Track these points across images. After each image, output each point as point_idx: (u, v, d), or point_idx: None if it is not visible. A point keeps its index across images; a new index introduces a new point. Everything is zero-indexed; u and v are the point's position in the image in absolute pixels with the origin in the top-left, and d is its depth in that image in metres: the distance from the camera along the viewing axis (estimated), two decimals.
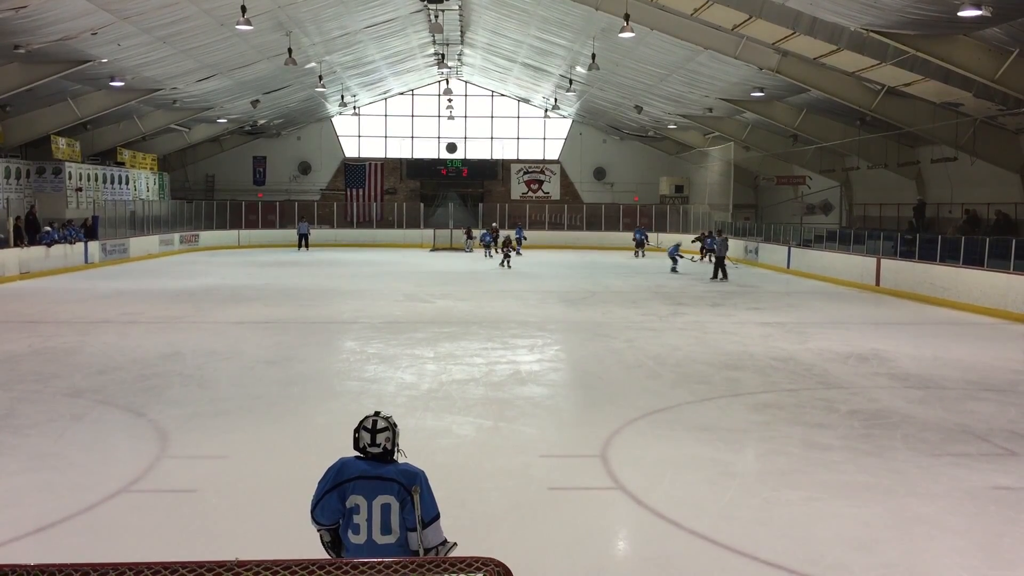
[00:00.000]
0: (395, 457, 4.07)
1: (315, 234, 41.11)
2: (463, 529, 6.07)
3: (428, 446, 8.19)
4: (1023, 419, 9.63)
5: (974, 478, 7.47)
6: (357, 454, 4.05)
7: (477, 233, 39.62)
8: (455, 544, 3.94)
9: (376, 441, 4.02)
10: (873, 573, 5.52)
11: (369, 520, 3.90)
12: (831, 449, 8.34)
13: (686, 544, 6.05)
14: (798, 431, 8.98)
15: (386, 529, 3.88)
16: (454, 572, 3.06)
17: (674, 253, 29.78)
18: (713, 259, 27.88)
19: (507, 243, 31.84)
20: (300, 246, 39.41)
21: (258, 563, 2.73)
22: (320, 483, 4.03)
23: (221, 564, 2.72)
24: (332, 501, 3.96)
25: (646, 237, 37.08)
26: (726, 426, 9.28)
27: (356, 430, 4.07)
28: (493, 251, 35.65)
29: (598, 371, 12.35)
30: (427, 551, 3.84)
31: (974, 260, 20.00)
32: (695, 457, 8.10)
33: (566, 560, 5.75)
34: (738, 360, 13.02)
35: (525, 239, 38.78)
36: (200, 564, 2.72)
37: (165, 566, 2.70)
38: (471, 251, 38.78)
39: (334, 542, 4.05)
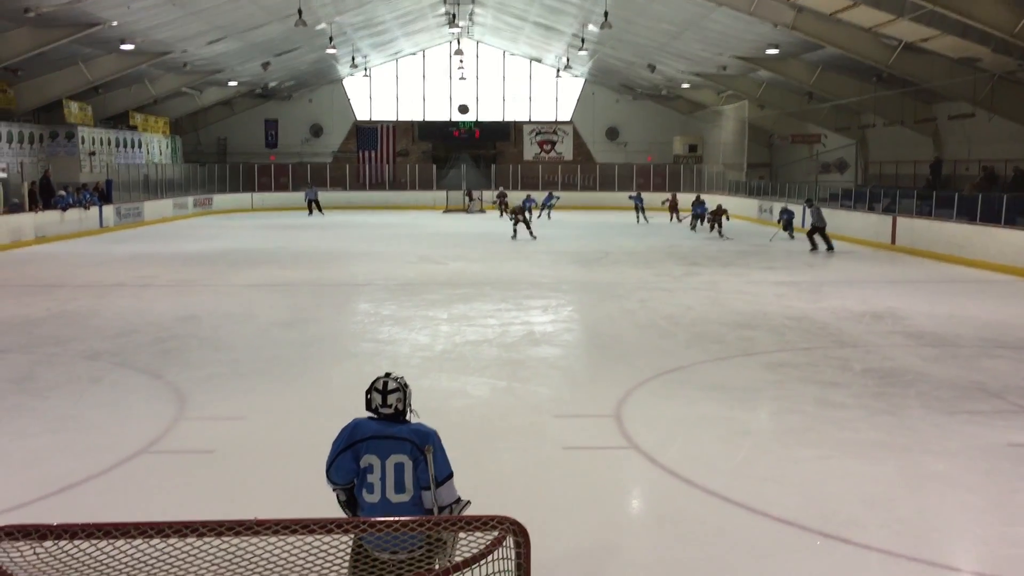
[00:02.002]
0: (408, 417, 4.09)
1: (327, 197, 41.03)
2: (477, 488, 6.12)
3: (443, 407, 8.24)
4: None
5: (988, 435, 7.47)
6: (370, 415, 4.08)
7: (489, 195, 39.46)
8: (468, 502, 3.97)
9: (388, 402, 4.04)
10: (886, 530, 5.55)
11: (383, 479, 3.93)
12: (845, 407, 8.35)
13: (700, 502, 6.09)
14: (812, 390, 8.99)
15: (400, 488, 3.91)
16: (469, 530, 3.10)
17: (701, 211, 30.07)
18: (807, 229, 24.37)
19: (517, 211, 26.84)
20: (311, 211, 38.08)
21: (276, 522, 2.77)
22: (334, 443, 4.06)
23: (240, 523, 2.76)
24: (346, 461, 3.99)
25: (642, 200, 34.37)
26: (740, 385, 9.29)
27: (368, 391, 4.09)
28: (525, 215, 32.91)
29: (611, 331, 12.37)
30: (441, 509, 3.87)
31: (991, 218, 19.83)
32: (708, 416, 8.13)
33: (580, 518, 5.80)
34: (752, 319, 13.00)
35: (556, 200, 35.80)
36: (220, 523, 2.76)
37: (186, 525, 2.74)
38: (473, 212, 38.55)
39: (349, 501, 4.09)
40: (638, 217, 33.45)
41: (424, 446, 3.91)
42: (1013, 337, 11.88)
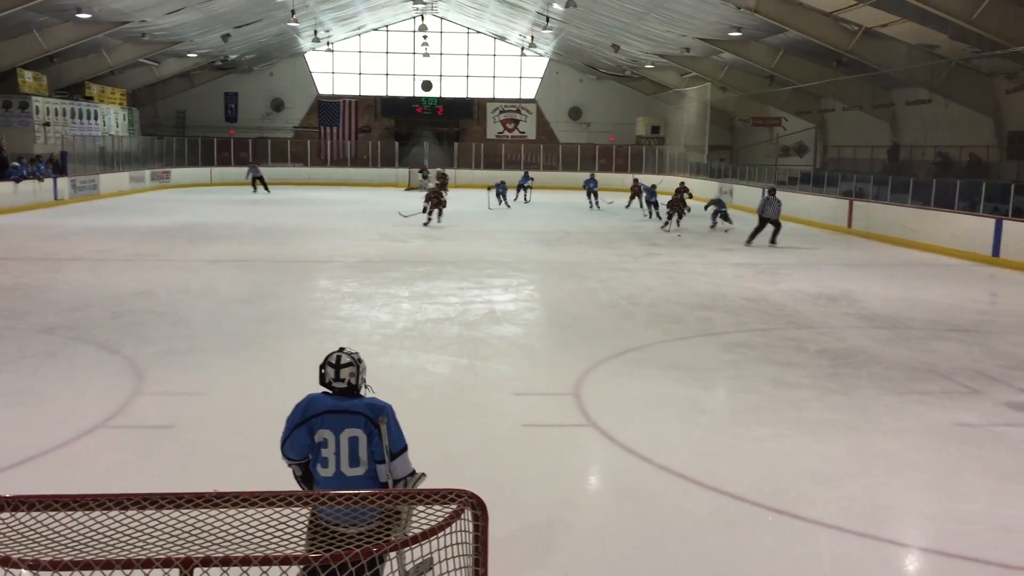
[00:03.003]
0: (362, 392, 4.11)
1: (288, 172, 40.65)
2: (437, 464, 6.16)
3: (403, 383, 8.27)
4: (986, 359, 9.84)
5: (936, 415, 7.66)
6: (324, 390, 4.08)
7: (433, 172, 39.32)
8: (423, 475, 3.99)
9: (340, 376, 4.04)
10: (835, 506, 5.69)
11: (337, 453, 3.94)
12: (799, 387, 8.50)
13: (656, 479, 6.19)
14: (767, 369, 9.14)
15: (354, 461, 3.92)
16: (428, 503, 3.14)
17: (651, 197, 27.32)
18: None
19: (431, 196, 24.01)
20: (255, 188, 36.30)
21: (236, 494, 2.78)
22: (288, 419, 4.06)
23: (200, 495, 2.77)
24: (300, 436, 3.99)
25: (597, 184, 31.63)
26: (697, 365, 9.42)
27: (321, 366, 4.09)
28: (500, 200, 30.26)
29: (572, 311, 12.45)
30: (396, 482, 3.90)
31: (945, 203, 20.19)
32: (666, 395, 8.24)
33: (538, 494, 5.87)
34: (711, 300, 13.16)
35: (532, 182, 33.77)
36: (179, 496, 2.77)
37: (145, 497, 2.75)
38: (426, 189, 38.28)
39: (305, 476, 4.10)
40: (591, 203, 30.63)
41: (378, 418, 3.92)
42: (963, 320, 12.15)
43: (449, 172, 41.58)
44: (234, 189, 37.47)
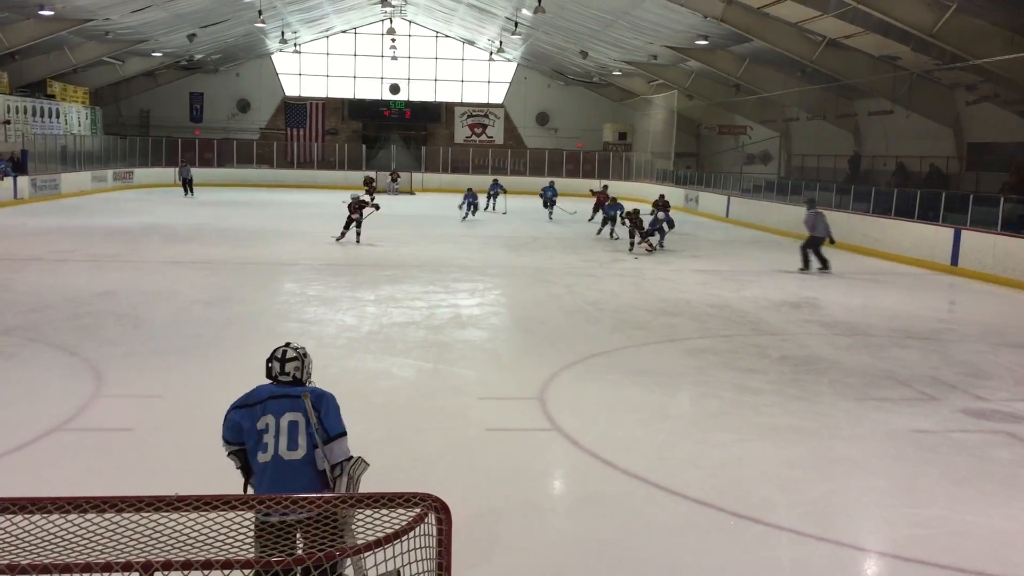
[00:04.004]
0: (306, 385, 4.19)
1: (255, 174, 40.31)
2: (402, 468, 6.17)
3: (368, 387, 8.24)
4: (944, 366, 10.00)
5: (895, 421, 7.77)
6: (270, 383, 4.18)
7: (420, 177, 39.17)
8: (362, 460, 3.98)
9: (285, 370, 4.14)
10: (796, 510, 5.76)
11: (276, 436, 3.98)
12: (761, 393, 8.59)
13: (620, 483, 6.22)
14: (730, 375, 9.22)
15: (292, 445, 3.96)
16: (392, 507, 3.14)
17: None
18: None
19: (354, 207, 20.38)
20: (186, 192, 34.35)
21: (197, 498, 2.77)
22: (231, 405, 4.16)
23: (160, 499, 2.75)
24: (237, 417, 4.09)
25: (556, 193, 29.07)
26: (661, 370, 9.49)
27: (268, 360, 4.19)
28: (470, 212, 27.11)
29: (538, 316, 12.48)
30: (333, 467, 3.94)
31: (906, 212, 20.50)
32: (630, 400, 8.28)
33: (502, 498, 5.88)
34: (675, 306, 13.25)
35: (500, 192, 30.51)
36: (140, 499, 2.75)
37: (104, 500, 2.73)
38: (394, 194, 38.21)
39: (244, 467, 4.17)
40: (550, 213, 28.42)
41: (318, 406, 3.99)
42: (922, 328, 12.34)
43: (416, 176, 41.53)
44: (198, 190, 37.05)
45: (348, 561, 3.22)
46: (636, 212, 20.62)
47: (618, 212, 22.13)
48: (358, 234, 20.12)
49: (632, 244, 20.16)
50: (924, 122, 24.88)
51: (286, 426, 3.98)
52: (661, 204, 22.81)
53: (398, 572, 2.92)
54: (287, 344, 4.26)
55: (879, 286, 16.30)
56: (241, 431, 4.08)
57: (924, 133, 25.20)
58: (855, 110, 29.20)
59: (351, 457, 4.00)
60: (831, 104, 29.49)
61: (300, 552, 3.35)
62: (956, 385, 9.10)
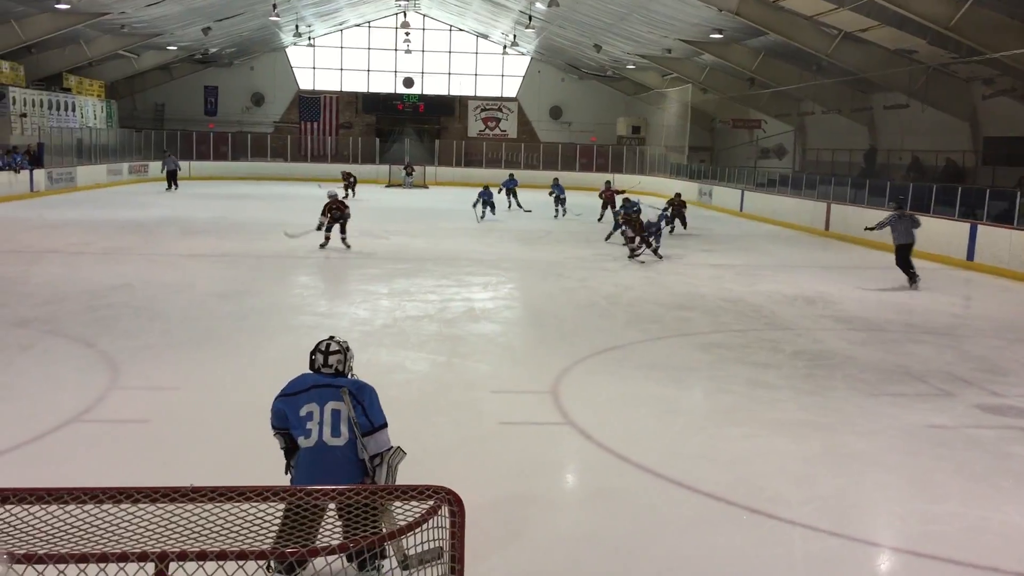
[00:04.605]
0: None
1: (269, 168, 40.31)
2: (415, 461, 6.15)
3: (382, 381, 8.18)
4: (959, 361, 9.95)
5: (909, 417, 7.74)
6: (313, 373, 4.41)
7: (432, 171, 39.09)
8: (400, 449, 4.21)
9: (328, 362, 4.39)
10: (809, 506, 5.75)
11: (320, 423, 4.19)
12: (774, 388, 8.57)
13: (633, 477, 6.22)
14: (743, 370, 9.20)
15: (336, 432, 4.17)
16: (406, 499, 3.15)
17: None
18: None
19: (333, 207, 17.47)
20: (169, 185, 33.12)
21: (212, 489, 2.79)
22: (280, 392, 4.36)
23: (176, 490, 2.77)
24: (283, 406, 4.28)
25: (564, 192, 27.00)
26: (675, 364, 9.48)
27: (312, 352, 4.44)
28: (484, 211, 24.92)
29: (551, 309, 12.47)
30: (372, 457, 4.15)
31: (921, 207, 20.36)
32: (644, 394, 8.28)
33: (515, 491, 5.89)
34: (688, 301, 13.22)
35: (512, 186, 28.52)
36: (155, 490, 2.77)
37: (120, 491, 2.75)
38: (409, 188, 38.21)
39: (288, 447, 4.38)
40: (556, 211, 26.57)
41: (361, 397, 4.22)
42: (937, 323, 12.27)
43: (430, 169, 41.47)
44: (213, 183, 37.23)
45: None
46: (635, 212, 18.21)
47: (633, 211, 18.41)
48: (343, 231, 17.43)
49: (632, 250, 17.46)
50: (940, 116, 24.71)
51: (329, 414, 4.18)
52: (677, 203, 22.45)
53: (441, 551, 2.94)
54: (331, 337, 4.50)
55: (894, 281, 16.19)
56: (285, 418, 4.28)
57: (940, 127, 25.03)
58: (871, 104, 29.04)
59: (391, 448, 4.20)
60: (846, 98, 29.33)
61: (322, 537, 3.37)
62: (971, 381, 9.06)
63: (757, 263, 18.09)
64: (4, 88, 28.86)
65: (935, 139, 25.45)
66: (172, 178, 33.44)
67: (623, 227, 18.02)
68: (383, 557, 3.54)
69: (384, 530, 2.98)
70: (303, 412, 4.22)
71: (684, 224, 22.91)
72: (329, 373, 4.37)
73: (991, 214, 17.97)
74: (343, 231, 17.45)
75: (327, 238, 17.42)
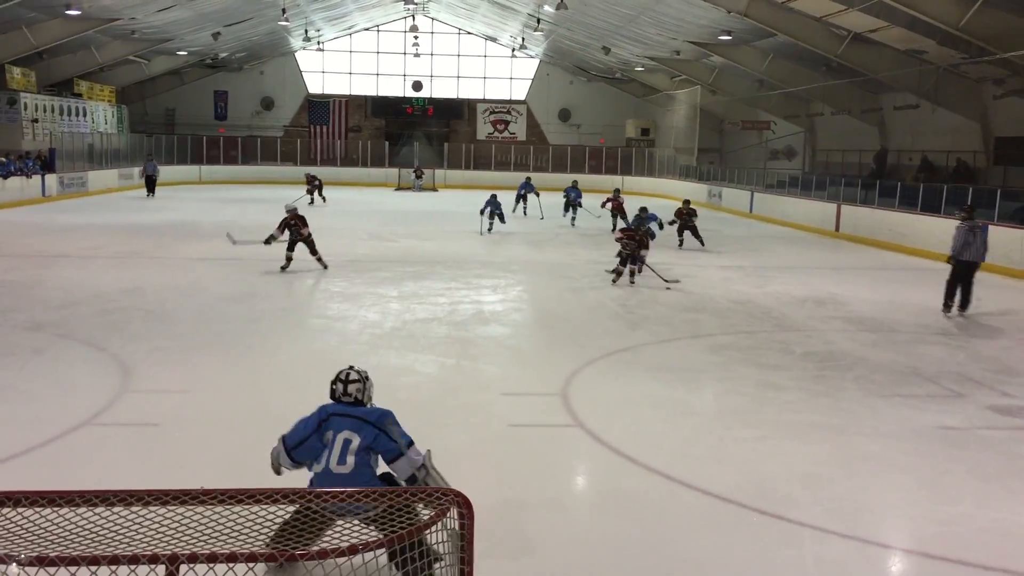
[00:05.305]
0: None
1: (278, 171, 40.36)
2: None
3: (391, 383, 8.26)
4: (971, 362, 9.91)
5: (921, 418, 7.71)
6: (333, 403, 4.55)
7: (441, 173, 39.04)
8: (430, 452, 4.46)
9: (348, 391, 4.51)
10: (820, 507, 5.73)
11: (330, 451, 4.31)
12: (785, 389, 8.55)
13: (642, 479, 6.21)
14: (754, 372, 9.18)
15: (342, 460, 4.29)
16: (416, 502, 3.15)
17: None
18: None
19: (292, 222, 15.05)
20: (150, 191, 31.99)
21: (223, 491, 2.80)
22: (303, 424, 4.46)
23: (187, 492, 2.79)
24: (314, 442, 4.40)
25: (581, 196, 25.10)
26: (684, 366, 9.46)
27: (332, 382, 4.57)
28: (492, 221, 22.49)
29: (560, 312, 12.47)
30: (417, 469, 4.34)
31: (932, 207, 20.30)
32: (653, 396, 8.27)
33: (525, 493, 5.88)
34: (698, 302, 13.20)
35: (531, 192, 27.03)
36: (166, 492, 2.78)
37: (131, 494, 2.76)
38: (418, 191, 38.27)
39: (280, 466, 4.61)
40: (573, 219, 24.84)
41: (381, 423, 4.37)
42: (949, 324, 12.22)
43: (439, 173, 41.48)
44: (223, 187, 37.35)
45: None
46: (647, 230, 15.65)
47: (645, 228, 15.73)
48: (319, 260, 15.35)
49: (619, 273, 14.80)
50: (951, 116, 24.63)
51: (340, 442, 4.32)
52: (686, 212, 20.27)
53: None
54: (350, 367, 4.63)
55: (905, 282, 16.16)
56: (312, 453, 4.42)
57: (951, 128, 24.95)
58: (880, 105, 28.95)
59: (422, 466, 4.37)
60: (856, 99, 29.25)
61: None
62: (983, 382, 9.02)
63: (767, 264, 18.05)
64: (15, 94, 29.02)
65: (946, 140, 25.36)
66: (151, 184, 32.12)
67: (622, 244, 14.78)
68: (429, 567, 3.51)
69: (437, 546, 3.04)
70: (324, 440, 4.38)
71: (697, 237, 20.00)
72: (348, 402, 4.50)
73: (1002, 214, 17.88)
74: (313, 251, 15.17)
75: (289, 259, 15.01)
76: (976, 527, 5.54)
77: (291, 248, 15.07)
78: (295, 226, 15.00)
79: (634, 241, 14.66)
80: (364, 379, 4.58)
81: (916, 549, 5.30)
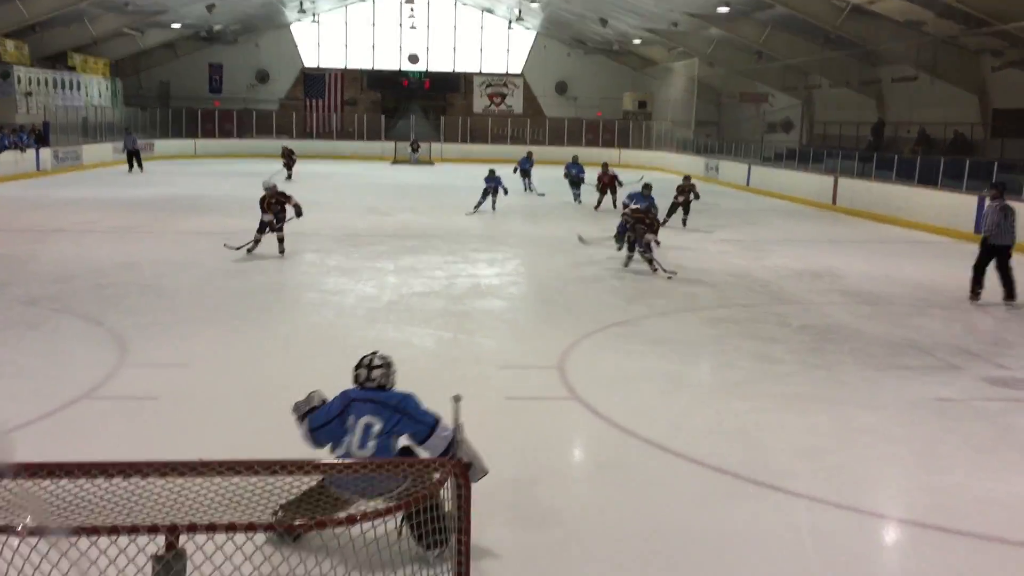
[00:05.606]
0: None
1: (274, 145, 40.20)
2: None
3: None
4: (967, 334, 9.94)
5: (916, 390, 7.74)
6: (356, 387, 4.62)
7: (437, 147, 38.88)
8: (460, 425, 4.39)
9: (372, 377, 4.59)
10: (816, 478, 5.76)
11: (351, 435, 4.41)
12: (781, 362, 8.57)
13: (639, 451, 6.24)
14: (750, 345, 9.20)
15: (363, 445, 4.37)
16: (413, 472, 3.17)
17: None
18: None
19: (273, 199, 14.08)
20: (131, 166, 30.62)
21: (221, 463, 2.81)
22: (324, 410, 4.55)
23: (186, 464, 2.80)
24: (336, 426, 4.48)
25: (583, 172, 23.76)
26: (681, 339, 9.48)
27: (356, 367, 4.64)
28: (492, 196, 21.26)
29: (557, 285, 12.47)
30: (449, 445, 4.39)
31: (929, 180, 20.28)
32: (650, 369, 8.29)
33: (521, 464, 5.91)
34: (695, 275, 13.20)
35: (527, 167, 26.06)
36: (165, 464, 2.79)
37: (130, 465, 2.77)
38: (416, 164, 38.13)
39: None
40: (575, 195, 23.56)
41: (402, 407, 4.45)
42: (945, 296, 12.24)
43: (435, 146, 41.30)
44: (218, 161, 37.18)
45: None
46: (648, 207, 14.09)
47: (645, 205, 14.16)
48: (280, 240, 14.09)
49: (629, 257, 13.63)
50: (949, 88, 24.54)
51: (362, 427, 4.41)
52: (687, 189, 19.12)
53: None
54: (374, 353, 4.72)
55: (902, 255, 16.18)
56: (334, 437, 4.51)
57: (949, 100, 24.87)
58: (879, 77, 28.84)
59: (451, 442, 4.40)
60: (854, 71, 29.13)
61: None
62: (979, 354, 9.05)
63: (764, 237, 18.04)
64: (8, 67, 28.83)
65: (943, 112, 25.28)
66: (134, 158, 30.84)
67: (629, 226, 13.50)
68: (446, 541, 3.57)
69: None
70: (346, 425, 4.46)
71: (685, 214, 19.13)
72: (371, 387, 4.56)
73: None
74: (280, 228, 14.00)
75: (257, 240, 13.87)
76: (970, 497, 5.58)
77: (262, 230, 13.88)
78: (277, 203, 13.99)
79: (644, 224, 13.09)
80: (388, 365, 4.66)
81: (911, 519, 5.34)
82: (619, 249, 14.18)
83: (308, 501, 3.40)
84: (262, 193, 14.26)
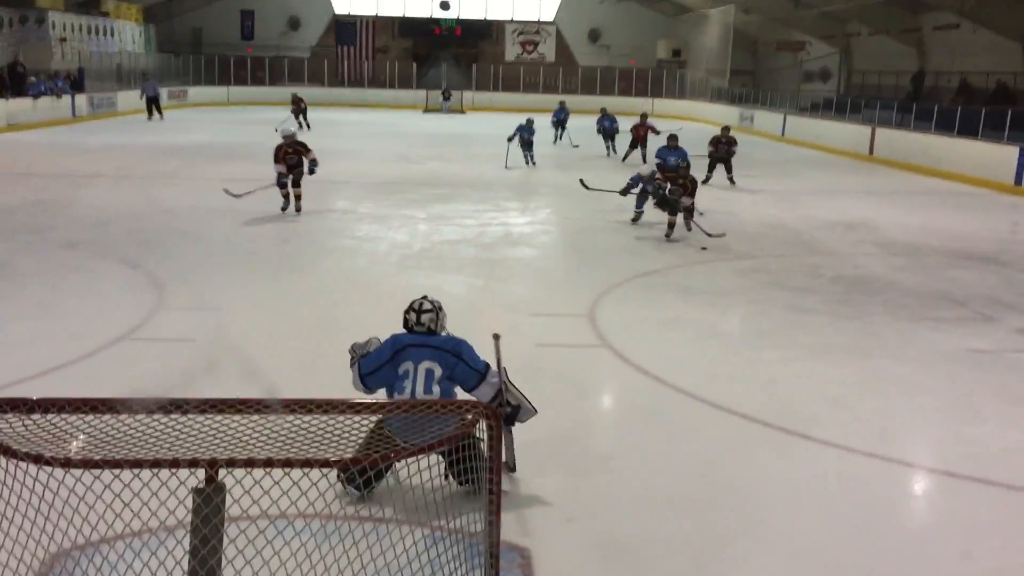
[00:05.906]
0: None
1: (306, 93, 40.09)
2: None
3: None
4: (1003, 286, 9.83)
5: (949, 341, 7.69)
6: (405, 332, 4.64)
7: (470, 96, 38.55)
8: (503, 369, 4.55)
9: (421, 320, 4.63)
10: (845, 427, 5.77)
11: (414, 381, 4.44)
12: (813, 312, 8.54)
13: (669, 399, 6.28)
14: (782, 295, 9.17)
15: (428, 390, 4.41)
16: (444, 414, 3.22)
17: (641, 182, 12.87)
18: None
19: (290, 149, 13.09)
20: (151, 113, 30.02)
21: (258, 401, 2.87)
22: (376, 354, 4.56)
23: (224, 401, 2.86)
24: (386, 372, 4.51)
25: (616, 124, 22.60)
26: (712, 289, 9.47)
27: (406, 311, 4.67)
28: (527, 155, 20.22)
29: (588, 234, 12.46)
30: (497, 392, 4.49)
31: (970, 131, 19.88)
32: (680, 318, 8.30)
33: (553, 410, 5.94)
34: (727, 225, 13.08)
35: (561, 117, 25.19)
36: (205, 401, 2.86)
37: (171, 402, 2.84)
38: (447, 113, 37.92)
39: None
40: (608, 147, 22.48)
41: (459, 352, 4.51)
42: (982, 248, 12.09)
43: (467, 95, 41.02)
44: (251, 109, 37.17)
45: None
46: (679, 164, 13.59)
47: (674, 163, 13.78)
48: (297, 197, 13.05)
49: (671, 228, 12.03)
50: (992, 36, 23.94)
51: (423, 373, 4.45)
52: (725, 141, 17.69)
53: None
54: (424, 297, 4.74)
55: (939, 206, 15.94)
56: (384, 382, 4.53)
57: (991, 48, 24.27)
58: (919, 24, 28.17)
59: (499, 389, 4.50)
60: (894, 18, 28.47)
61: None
62: (1014, 305, 8.96)
63: (798, 188, 17.85)
64: (43, 12, 28.90)
65: (986, 60, 24.68)
66: (153, 105, 30.10)
67: (662, 188, 11.95)
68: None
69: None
70: (401, 371, 4.46)
71: (729, 173, 17.59)
72: (422, 331, 4.59)
73: None
74: (296, 184, 12.94)
75: (286, 196, 12.99)
76: (1001, 447, 5.57)
77: (289, 183, 12.95)
78: (294, 153, 12.96)
79: (679, 187, 11.69)
80: (437, 309, 4.69)
81: (940, 468, 5.35)
82: (635, 220, 13.03)
83: (373, 447, 3.45)
84: (279, 141, 13.23)
